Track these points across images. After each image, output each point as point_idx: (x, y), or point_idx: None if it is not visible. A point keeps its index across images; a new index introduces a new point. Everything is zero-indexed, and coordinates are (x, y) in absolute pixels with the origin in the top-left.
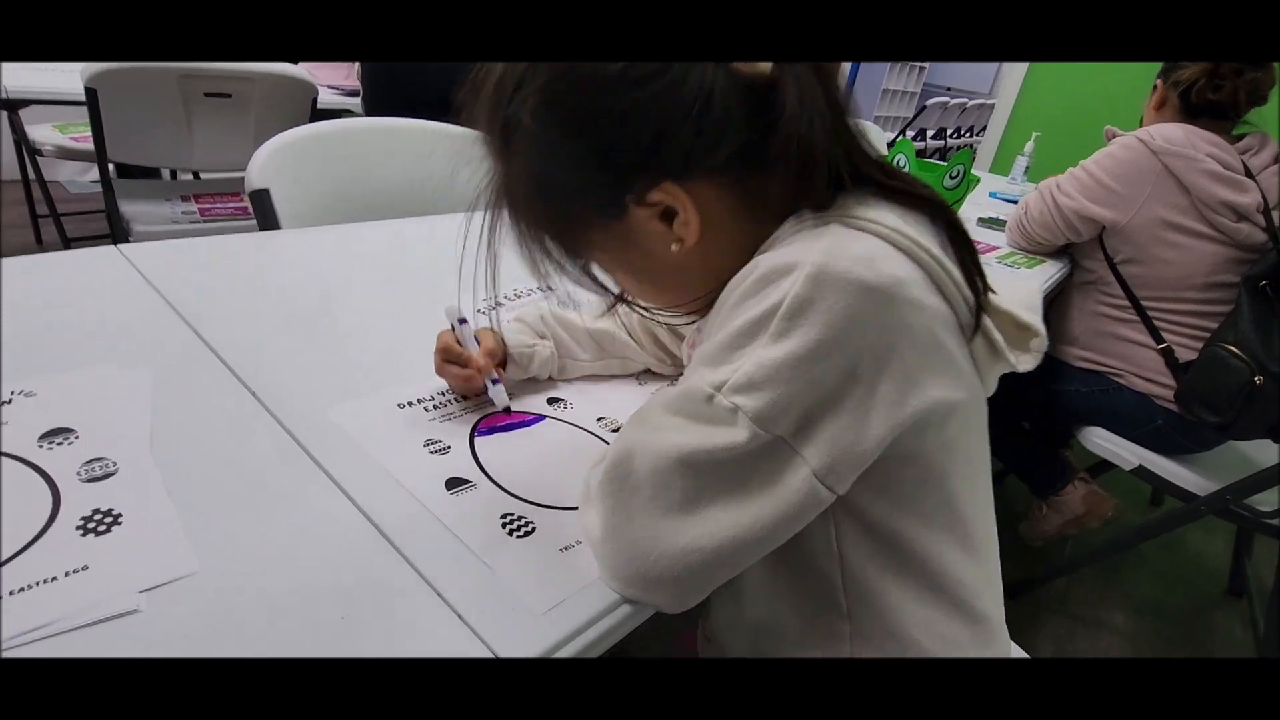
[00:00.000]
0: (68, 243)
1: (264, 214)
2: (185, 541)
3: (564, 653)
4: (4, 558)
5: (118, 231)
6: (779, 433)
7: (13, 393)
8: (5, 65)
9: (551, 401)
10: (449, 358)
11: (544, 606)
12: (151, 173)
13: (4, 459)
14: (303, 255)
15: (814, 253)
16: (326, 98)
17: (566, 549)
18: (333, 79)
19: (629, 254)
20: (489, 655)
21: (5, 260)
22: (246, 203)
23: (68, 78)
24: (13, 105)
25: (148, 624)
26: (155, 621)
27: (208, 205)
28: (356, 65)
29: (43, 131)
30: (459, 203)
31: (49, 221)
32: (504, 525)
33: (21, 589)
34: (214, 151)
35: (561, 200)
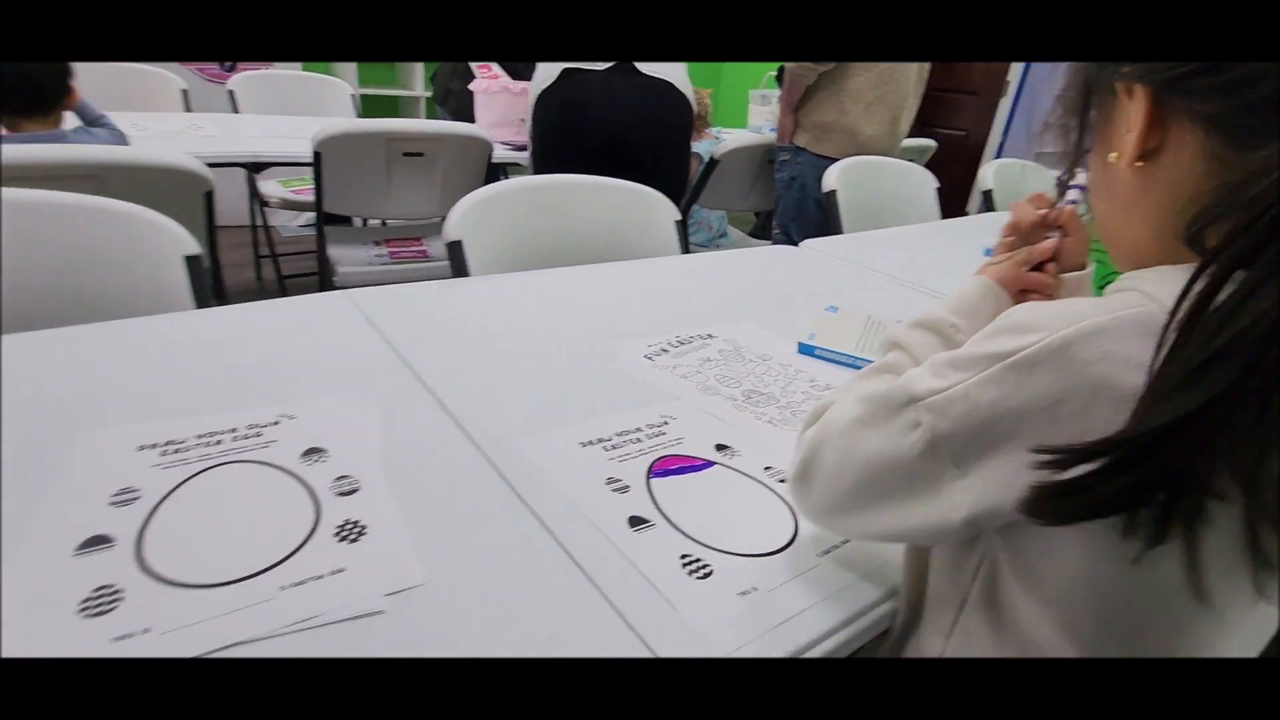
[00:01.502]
0: (282, 280)
1: (458, 262)
2: (414, 555)
3: None
4: (281, 557)
5: (325, 271)
6: (945, 462)
7: (279, 416)
8: (252, 134)
9: (720, 448)
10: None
11: (727, 648)
12: (345, 220)
13: (277, 471)
14: (493, 300)
15: (1082, 317)
16: (499, 153)
17: (744, 594)
18: (504, 136)
19: (1100, 138)
20: None
21: (263, 303)
22: (425, 246)
23: (300, 144)
24: (257, 167)
25: (391, 625)
26: (396, 623)
27: (396, 249)
28: (527, 123)
29: (269, 186)
30: (626, 252)
31: (267, 262)
32: (683, 565)
33: (295, 584)
34: (406, 203)
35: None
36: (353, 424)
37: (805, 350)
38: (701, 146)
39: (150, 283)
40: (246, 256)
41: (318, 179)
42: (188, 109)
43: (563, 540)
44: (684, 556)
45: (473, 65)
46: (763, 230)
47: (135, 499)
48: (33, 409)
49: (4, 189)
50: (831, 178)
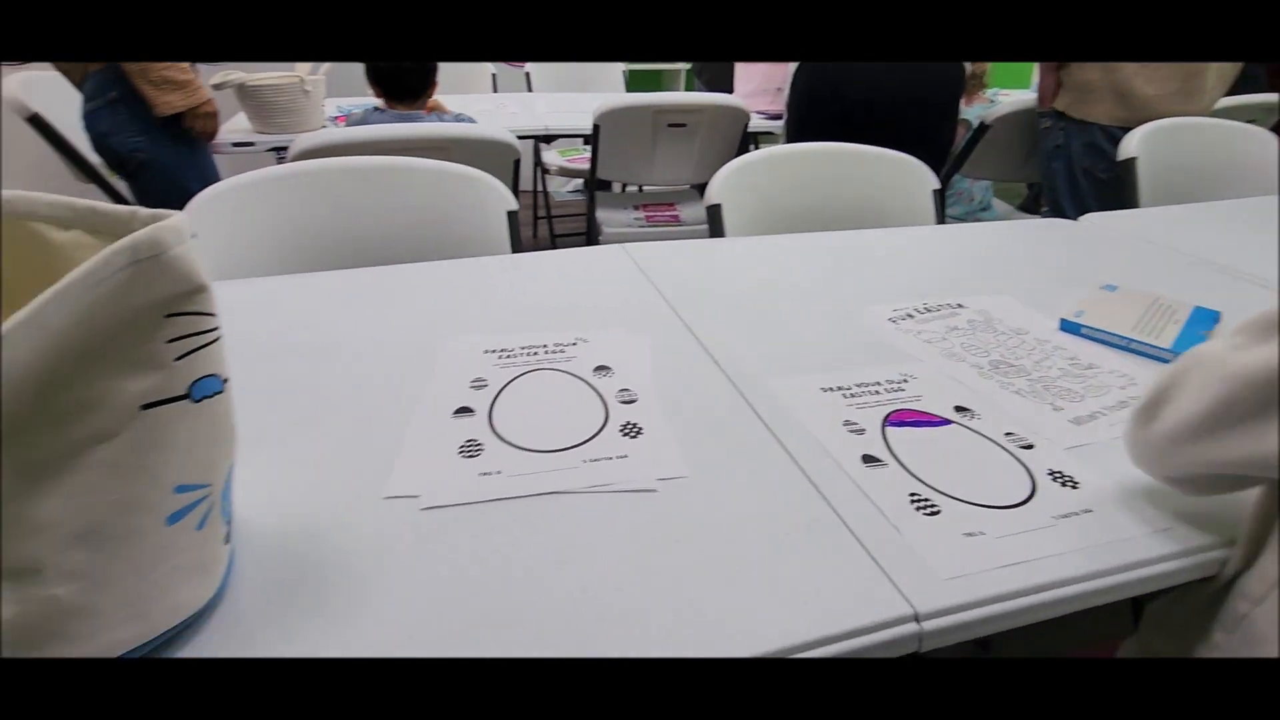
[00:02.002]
0: (554, 238)
1: (715, 225)
2: (679, 454)
3: (964, 616)
4: (583, 440)
5: (592, 231)
6: None
7: (576, 339)
8: (543, 110)
9: (959, 410)
10: None
11: (946, 574)
12: (606, 185)
13: (577, 380)
14: (748, 258)
15: None
16: (754, 123)
17: (970, 535)
18: (760, 105)
19: None
20: (897, 595)
21: (560, 250)
22: (678, 211)
23: (579, 117)
24: (547, 139)
25: (660, 501)
26: (664, 500)
27: (652, 213)
28: (784, 91)
29: (549, 155)
30: (880, 219)
31: (543, 223)
32: (911, 501)
33: (593, 460)
34: (666, 170)
35: None
36: (630, 351)
37: (1068, 328)
38: (973, 111)
39: (482, 231)
40: (527, 217)
41: (594, 148)
42: (495, 89)
43: (801, 464)
44: (912, 495)
45: None
46: (1035, 204)
47: (485, 385)
48: (417, 320)
49: (392, 157)
50: (1131, 144)
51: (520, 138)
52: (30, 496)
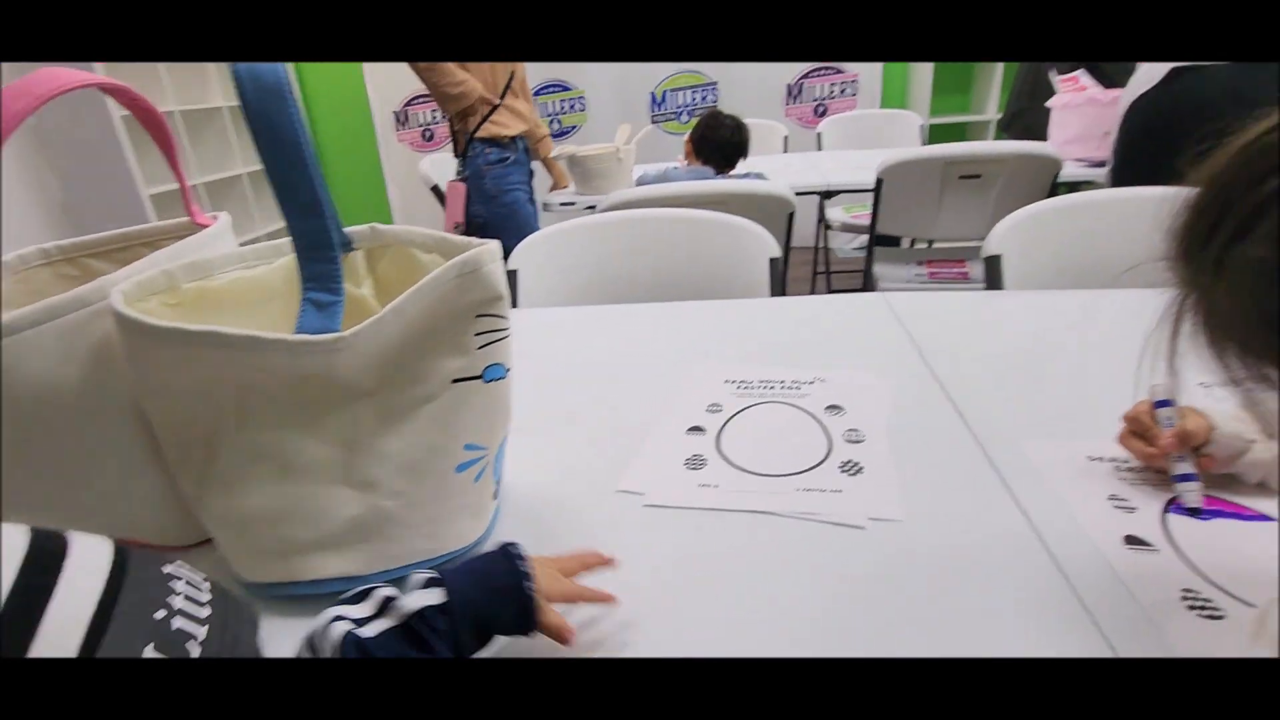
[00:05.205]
0: (831, 294)
1: (993, 276)
2: (898, 499)
3: None
4: (800, 470)
5: (868, 285)
6: None
7: (815, 378)
8: (828, 167)
9: None
10: (1135, 429)
11: None
12: (895, 241)
13: (806, 415)
14: (1025, 313)
15: None
16: (1069, 170)
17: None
18: (1080, 152)
19: None
20: None
21: (816, 296)
22: (967, 269)
23: (866, 173)
24: (829, 195)
25: (867, 539)
26: (871, 539)
27: (936, 269)
28: (1113, 134)
29: (834, 212)
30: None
31: (821, 278)
32: (1184, 599)
33: (806, 489)
34: (954, 224)
35: None
36: (868, 394)
37: None
38: None
39: (750, 275)
40: (806, 274)
41: (876, 203)
42: (785, 150)
43: (1040, 530)
44: (1187, 591)
45: (1056, 79)
46: None
47: (719, 410)
48: (676, 350)
49: (678, 209)
50: None
51: (800, 194)
52: (383, 435)
